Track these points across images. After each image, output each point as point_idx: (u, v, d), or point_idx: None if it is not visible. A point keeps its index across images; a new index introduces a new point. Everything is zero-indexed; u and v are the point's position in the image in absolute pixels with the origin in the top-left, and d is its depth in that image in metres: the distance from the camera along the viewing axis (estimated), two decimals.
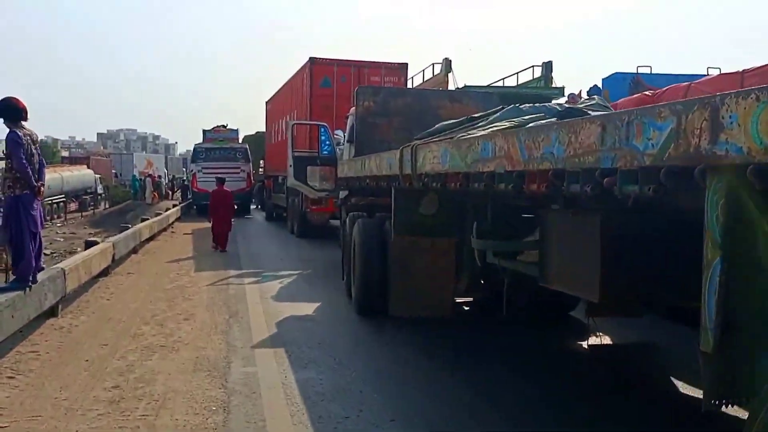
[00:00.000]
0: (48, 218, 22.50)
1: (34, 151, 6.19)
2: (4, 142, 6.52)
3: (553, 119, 4.34)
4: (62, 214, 28.09)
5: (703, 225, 2.38)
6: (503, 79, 16.63)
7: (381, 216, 7.78)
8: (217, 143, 26.28)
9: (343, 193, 10.16)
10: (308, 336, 6.64)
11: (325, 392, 4.90)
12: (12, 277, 6.44)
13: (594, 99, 6.09)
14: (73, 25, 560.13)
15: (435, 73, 17.14)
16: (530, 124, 4.36)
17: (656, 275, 3.67)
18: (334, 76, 16.26)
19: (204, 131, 27.61)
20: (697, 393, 4.98)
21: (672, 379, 5.48)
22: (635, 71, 12.19)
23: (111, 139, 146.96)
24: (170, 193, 41.44)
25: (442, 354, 6.04)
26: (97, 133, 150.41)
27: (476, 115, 5.72)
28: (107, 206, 35.71)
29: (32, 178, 6.07)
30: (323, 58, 16.66)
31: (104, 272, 9.81)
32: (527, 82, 15.86)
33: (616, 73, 12.19)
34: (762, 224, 2.24)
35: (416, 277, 6.78)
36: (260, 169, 27.65)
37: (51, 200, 25.70)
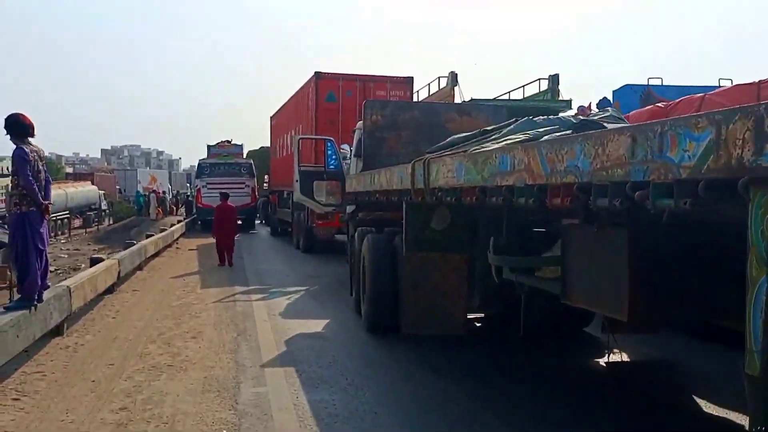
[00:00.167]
0: (52, 234, 22.46)
1: (40, 167, 6.13)
2: (10, 159, 6.44)
3: (569, 131, 4.24)
4: (66, 231, 28.13)
5: (741, 239, 2.26)
6: (509, 92, 16.60)
7: (390, 231, 7.65)
8: (222, 158, 26.29)
9: (350, 208, 10.06)
10: (318, 355, 6.50)
11: (338, 414, 4.76)
12: (17, 296, 6.33)
13: (608, 111, 6.00)
14: (77, 46, 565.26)
15: (441, 87, 17.10)
16: (546, 137, 4.26)
17: (687, 292, 3.53)
18: (340, 91, 16.24)
19: (208, 146, 27.63)
20: (723, 413, 4.85)
21: (695, 398, 5.33)
22: (646, 83, 12.14)
23: (115, 155, 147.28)
24: (174, 208, 41.39)
25: (457, 373, 5.89)
26: (101, 150, 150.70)
27: (489, 128, 5.62)
28: (111, 222, 35.75)
29: (39, 195, 6.00)
30: (328, 73, 16.65)
31: (110, 289, 9.70)
32: (534, 95, 15.79)
33: (627, 85, 12.16)
34: None
35: (428, 294, 6.65)
36: (264, 184, 27.62)
37: (55, 216, 25.70)
